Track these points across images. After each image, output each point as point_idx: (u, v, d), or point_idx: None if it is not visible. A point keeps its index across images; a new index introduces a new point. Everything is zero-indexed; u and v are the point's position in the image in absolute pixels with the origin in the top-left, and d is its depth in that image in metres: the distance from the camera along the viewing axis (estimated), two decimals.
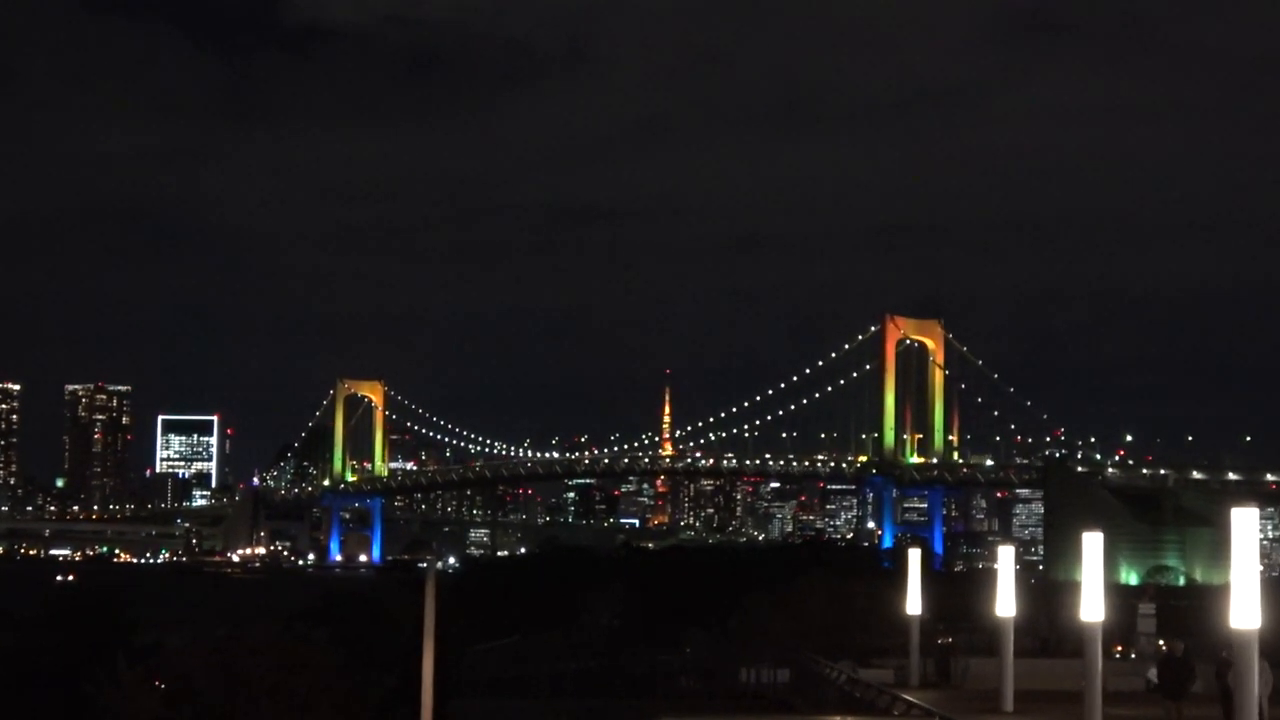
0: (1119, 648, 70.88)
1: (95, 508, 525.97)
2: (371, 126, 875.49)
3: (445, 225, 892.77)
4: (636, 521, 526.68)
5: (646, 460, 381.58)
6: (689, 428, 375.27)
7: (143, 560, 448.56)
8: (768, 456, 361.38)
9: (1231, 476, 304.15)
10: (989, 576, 58.23)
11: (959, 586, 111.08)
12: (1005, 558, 51.21)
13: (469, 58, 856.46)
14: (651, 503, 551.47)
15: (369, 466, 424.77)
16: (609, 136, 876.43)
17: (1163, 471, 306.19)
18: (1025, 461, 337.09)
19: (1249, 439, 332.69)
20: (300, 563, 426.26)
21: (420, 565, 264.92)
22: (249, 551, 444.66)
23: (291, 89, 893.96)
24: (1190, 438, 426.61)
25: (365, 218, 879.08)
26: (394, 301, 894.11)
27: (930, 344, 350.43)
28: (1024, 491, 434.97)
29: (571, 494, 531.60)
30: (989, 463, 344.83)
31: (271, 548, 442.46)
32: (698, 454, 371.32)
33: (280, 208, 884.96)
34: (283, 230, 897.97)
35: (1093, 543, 39.89)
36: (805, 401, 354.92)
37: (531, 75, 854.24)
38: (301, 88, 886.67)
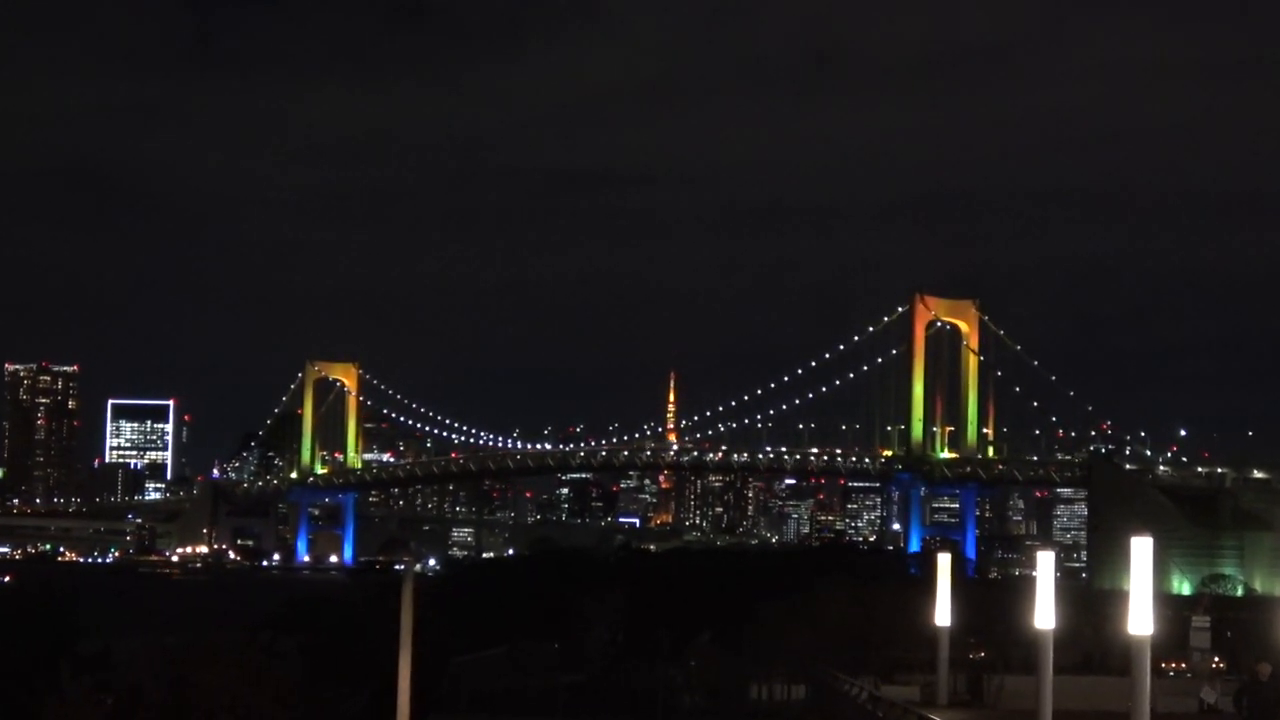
0: (1170, 664, 70.96)
1: (38, 501, 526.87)
2: (351, 80, 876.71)
3: (430, 191, 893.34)
4: (637, 521, 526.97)
5: (649, 453, 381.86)
6: (696, 417, 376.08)
7: (90, 559, 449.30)
8: (783, 450, 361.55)
9: None
10: (1026, 584, 58.31)
11: (993, 595, 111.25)
12: (1045, 564, 51.11)
13: (462, 6, 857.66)
14: (654, 500, 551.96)
15: (341, 458, 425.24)
16: (616, 95, 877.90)
17: (1220, 470, 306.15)
18: (1068, 458, 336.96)
19: None
20: (254, 564, 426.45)
21: (397, 567, 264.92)
22: (189, 550, 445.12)
23: (260, 39, 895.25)
24: (1251, 432, 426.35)
25: (341, 182, 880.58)
26: (371, 275, 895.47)
27: (964, 326, 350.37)
28: (1066, 491, 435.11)
29: (565, 490, 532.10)
30: (1028, 459, 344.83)
31: (216, 546, 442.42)
32: (706, 446, 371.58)
33: (246, 170, 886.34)
34: (248, 195, 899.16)
35: (1142, 548, 39.85)
36: (825, 389, 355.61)
37: (532, 26, 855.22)
38: (271, 37, 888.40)
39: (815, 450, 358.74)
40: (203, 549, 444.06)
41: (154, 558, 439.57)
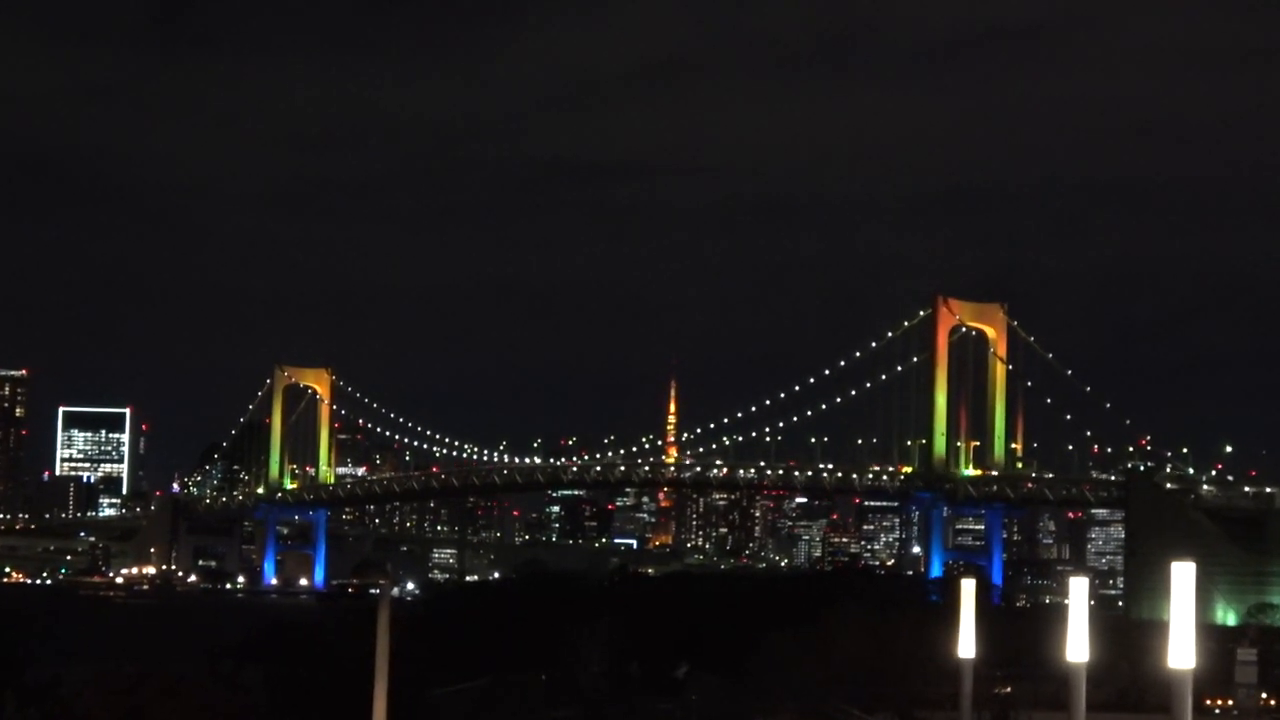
0: (1214, 701, 70.92)
1: None
2: (327, 62, 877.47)
3: (412, 182, 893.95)
4: (634, 542, 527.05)
5: (647, 468, 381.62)
6: (699, 429, 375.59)
7: (38, 580, 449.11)
8: (793, 465, 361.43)
9: None
10: (1058, 614, 58.20)
11: (1021, 625, 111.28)
12: (1078, 591, 51.11)
13: None
14: (653, 520, 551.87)
15: (312, 472, 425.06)
16: (615, 79, 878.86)
17: (1269, 489, 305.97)
18: (1103, 476, 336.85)
19: None
20: (216, 586, 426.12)
21: (372, 591, 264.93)
22: (135, 571, 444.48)
23: (228, 15, 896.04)
24: None
25: (315, 172, 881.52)
26: (346, 273, 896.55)
27: (991, 332, 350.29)
28: (1101, 512, 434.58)
29: (556, 508, 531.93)
30: (1060, 477, 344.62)
31: (165, 567, 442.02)
32: (709, 461, 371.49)
33: (212, 159, 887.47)
34: (214, 186, 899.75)
35: (1183, 575, 39.80)
36: (839, 400, 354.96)
37: (525, 4, 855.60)
38: (241, 14, 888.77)
39: (828, 466, 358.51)
40: (149, 569, 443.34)
41: (96, 579, 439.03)
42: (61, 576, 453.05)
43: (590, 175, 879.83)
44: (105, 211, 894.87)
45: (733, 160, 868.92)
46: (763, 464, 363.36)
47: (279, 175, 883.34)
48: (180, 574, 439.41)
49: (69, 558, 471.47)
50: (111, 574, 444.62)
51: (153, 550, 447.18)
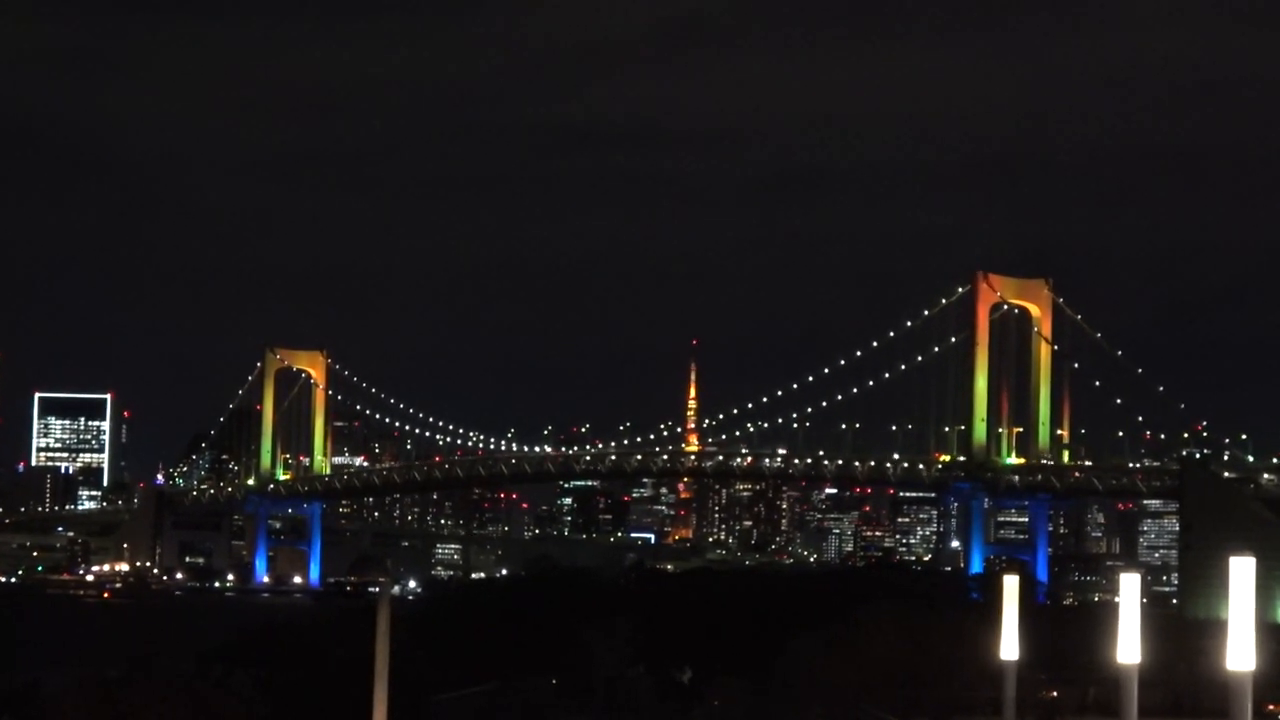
0: (1275, 707, 70.94)
1: None
2: (319, 24, 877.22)
3: (409, 151, 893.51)
4: (652, 536, 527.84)
5: (666, 457, 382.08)
6: (721, 415, 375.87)
7: (13, 579, 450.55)
8: (822, 454, 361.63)
9: None
10: (1107, 612, 58.20)
11: (1068, 625, 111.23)
12: (1129, 588, 51.12)
13: None
14: (671, 513, 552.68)
15: (306, 462, 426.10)
16: (628, 40, 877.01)
17: None
18: (1156, 464, 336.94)
19: None
20: (203, 585, 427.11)
21: (371, 590, 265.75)
22: (107, 568, 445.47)
23: None
24: None
25: (307, 141, 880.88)
26: (341, 249, 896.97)
27: (1035, 310, 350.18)
28: (1154, 503, 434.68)
29: (568, 500, 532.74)
30: (1109, 465, 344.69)
31: (138, 564, 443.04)
32: (732, 449, 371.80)
33: (200, 127, 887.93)
34: (199, 156, 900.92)
35: (1242, 569, 39.80)
36: (872, 383, 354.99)
37: None
38: None
39: (859, 455, 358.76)
40: (122, 566, 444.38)
41: (65, 576, 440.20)
42: (39, 573, 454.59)
43: (602, 142, 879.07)
44: (88, 183, 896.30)
45: (757, 125, 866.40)
46: (790, 452, 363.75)
47: (273, 146, 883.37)
48: (155, 571, 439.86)
49: (41, 554, 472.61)
50: (82, 571, 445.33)
51: (125, 546, 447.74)
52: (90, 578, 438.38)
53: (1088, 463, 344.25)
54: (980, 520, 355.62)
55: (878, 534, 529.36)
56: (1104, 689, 71.24)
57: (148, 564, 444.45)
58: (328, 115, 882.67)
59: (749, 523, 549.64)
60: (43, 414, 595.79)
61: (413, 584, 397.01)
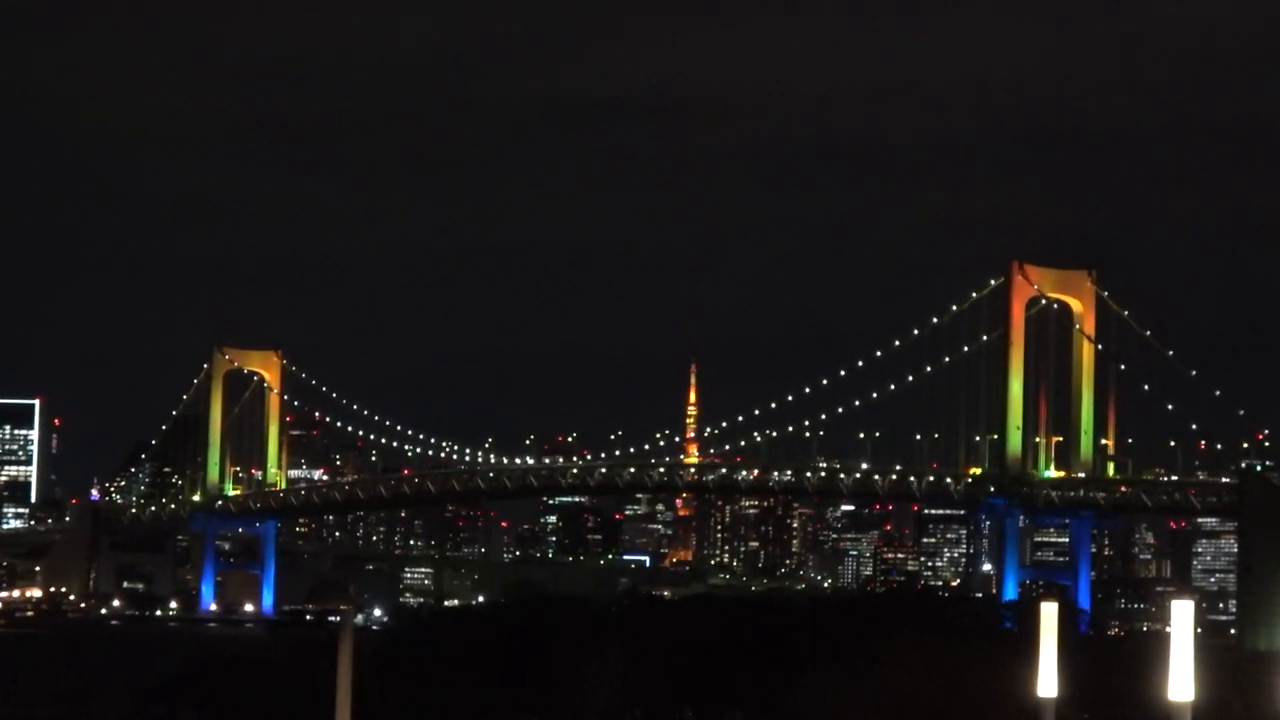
0: None
1: None
2: None
3: (383, 127, 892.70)
4: (647, 559, 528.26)
5: (662, 470, 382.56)
6: (725, 423, 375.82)
7: None
8: (838, 467, 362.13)
9: None
10: (1157, 643, 58.39)
11: (1113, 658, 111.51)
12: (1182, 617, 51.29)
13: None
14: (669, 532, 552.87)
15: (259, 475, 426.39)
16: (627, 4, 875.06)
17: None
18: (1212, 478, 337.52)
19: None
20: (142, 614, 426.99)
21: (331, 619, 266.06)
22: (15, 595, 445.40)
23: None
24: None
25: (263, 115, 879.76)
26: (301, 238, 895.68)
27: (1077, 306, 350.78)
28: (1209, 521, 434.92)
29: (553, 518, 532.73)
30: (1160, 479, 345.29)
31: (53, 590, 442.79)
32: (737, 461, 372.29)
33: (143, 101, 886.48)
34: (145, 133, 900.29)
35: None
36: (894, 388, 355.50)
37: None
38: None
39: (881, 468, 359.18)
40: (35, 592, 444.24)
41: None
42: None
43: (597, 118, 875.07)
44: (13, 162, 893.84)
45: (768, 100, 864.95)
46: (802, 465, 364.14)
47: (224, 123, 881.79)
48: (72, 597, 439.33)
49: None
50: None
51: (37, 570, 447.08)
52: None
53: (1141, 477, 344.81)
54: (1015, 541, 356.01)
55: (900, 556, 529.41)
56: None
57: (63, 589, 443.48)
58: (287, 86, 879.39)
59: (755, 543, 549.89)
60: None
61: (378, 612, 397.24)
